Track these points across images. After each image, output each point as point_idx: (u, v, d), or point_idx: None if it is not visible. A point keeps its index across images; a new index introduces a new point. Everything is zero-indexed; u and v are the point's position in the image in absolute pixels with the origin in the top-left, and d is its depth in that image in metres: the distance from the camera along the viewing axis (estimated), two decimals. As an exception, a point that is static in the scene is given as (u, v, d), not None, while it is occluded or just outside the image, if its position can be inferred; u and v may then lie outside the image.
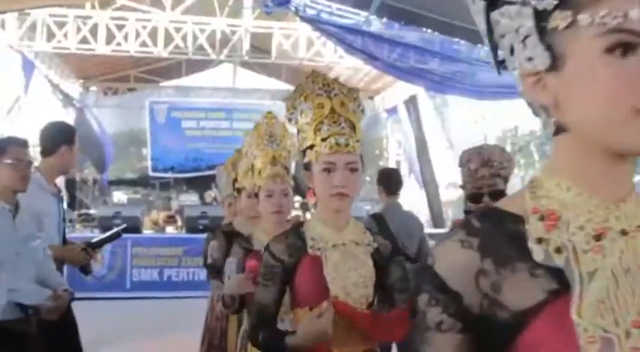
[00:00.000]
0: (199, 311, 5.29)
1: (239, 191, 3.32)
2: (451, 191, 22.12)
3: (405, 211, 4.89)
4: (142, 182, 15.81)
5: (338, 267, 1.87)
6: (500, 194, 2.57)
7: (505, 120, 17.12)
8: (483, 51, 9.12)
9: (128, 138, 16.48)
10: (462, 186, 2.70)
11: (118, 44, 10.97)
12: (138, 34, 10.91)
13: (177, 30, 11.11)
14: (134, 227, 9.84)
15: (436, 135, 15.44)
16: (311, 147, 1.87)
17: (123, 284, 9.76)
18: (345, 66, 14.05)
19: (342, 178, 1.84)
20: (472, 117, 17.32)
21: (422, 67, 9.67)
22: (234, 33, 11.55)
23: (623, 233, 0.79)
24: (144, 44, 10.95)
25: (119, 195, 13.86)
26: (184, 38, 11.08)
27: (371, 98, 16.43)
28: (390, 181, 4.80)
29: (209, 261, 3.26)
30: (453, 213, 17.48)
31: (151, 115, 15.05)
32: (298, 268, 1.88)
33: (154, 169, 15.23)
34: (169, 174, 15.11)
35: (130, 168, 17.32)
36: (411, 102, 14.19)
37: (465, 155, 2.64)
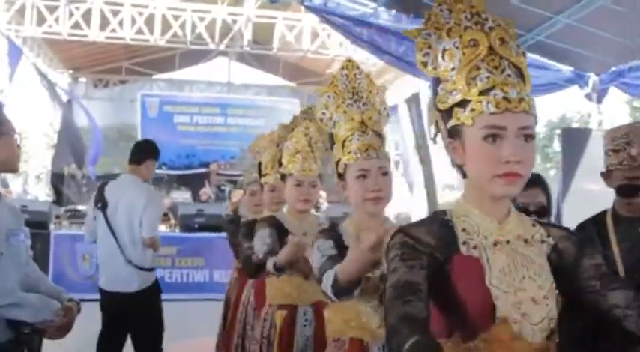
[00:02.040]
0: (194, 314, 4.83)
1: (283, 177, 2.74)
2: (447, 193, 21.91)
3: None
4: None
5: (507, 275, 1.31)
6: None
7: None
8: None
9: (118, 132, 15.94)
10: (605, 174, 2.21)
11: (113, 31, 10.40)
12: (134, 21, 10.34)
13: (176, 18, 10.57)
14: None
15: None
16: (462, 103, 1.28)
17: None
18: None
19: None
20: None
21: (429, 61, 9.25)
22: (235, 22, 10.99)
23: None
24: (140, 32, 10.39)
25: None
26: (183, 27, 10.54)
27: (369, 95, 15.99)
28: None
29: (264, 248, 2.65)
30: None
31: (142, 109, 14.66)
32: (448, 272, 1.29)
33: (145, 165, 14.73)
34: (161, 171, 14.59)
35: (119, 164, 16.71)
36: (414, 101, 13.76)
37: (619, 134, 2.16)
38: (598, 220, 2.30)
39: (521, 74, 1.29)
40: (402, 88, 13.50)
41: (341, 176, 2.01)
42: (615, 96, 14.66)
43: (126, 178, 4.29)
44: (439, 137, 1.41)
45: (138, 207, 4.11)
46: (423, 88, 12.28)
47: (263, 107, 15.51)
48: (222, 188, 13.47)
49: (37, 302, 2.26)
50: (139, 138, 14.67)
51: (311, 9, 9.02)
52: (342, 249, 1.86)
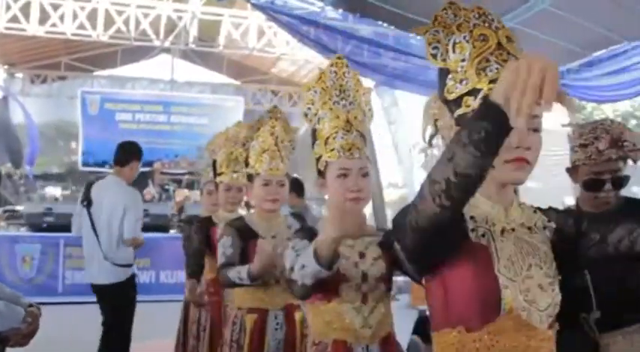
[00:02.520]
0: (142, 318, 4.77)
1: (250, 177, 2.70)
2: (391, 191, 22.16)
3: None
4: (71, 177, 14.89)
5: (514, 263, 1.34)
6: (624, 181, 2.21)
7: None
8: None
9: (56, 129, 15.53)
10: (571, 169, 2.32)
11: (53, 25, 10.07)
12: (75, 16, 10.03)
13: (120, 13, 10.31)
14: (67, 225, 9.04)
15: (381, 136, 15.28)
16: (471, 92, 1.32)
17: (54, 288, 8.89)
18: (291, 59, 13.64)
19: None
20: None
21: (375, 61, 9.38)
22: (180, 19, 10.83)
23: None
24: (81, 27, 10.10)
25: (51, 191, 12.89)
26: (127, 22, 10.30)
27: (315, 95, 16.05)
28: (300, 187, 5.78)
29: (222, 259, 2.62)
30: (392, 212, 17.38)
31: (82, 106, 14.32)
32: (456, 258, 1.32)
33: (85, 164, 14.47)
34: (103, 169, 14.27)
35: (58, 162, 16.26)
36: (360, 100, 13.91)
37: (587, 129, 2.25)
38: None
39: None
40: (347, 87, 13.62)
41: (321, 173, 2.00)
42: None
43: (111, 179, 4.61)
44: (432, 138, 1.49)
45: (119, 208, 4.42)
46: (369, 88, 12.40)
47: (207, 105, 15.38)
48: (167, 187, 13.28)
49: (3, 310, 2.18)
50: (79, 136, 14.34)
51: (258, 7, 8.99)
52: None
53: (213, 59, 15.11)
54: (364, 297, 1.92)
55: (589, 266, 1.71)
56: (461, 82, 1.35)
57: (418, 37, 8.86)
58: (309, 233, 1.94)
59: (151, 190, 12.88)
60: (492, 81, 1.29)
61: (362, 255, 1.96)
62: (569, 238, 1.43)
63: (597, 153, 2.19)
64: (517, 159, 1.30)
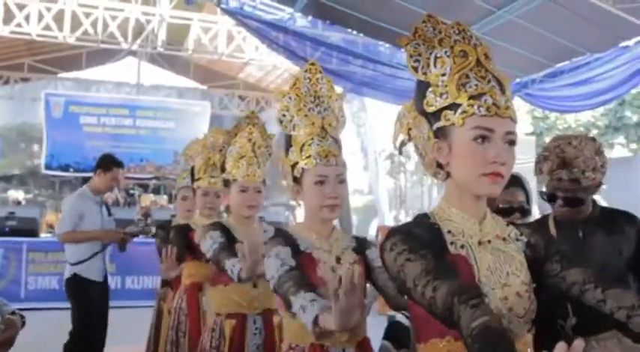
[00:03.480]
0: (108, 324, 4.76)
1: (227, 183, 2.72)
2: (357, 197, 22.26)
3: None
4: (33, 180, 14.65)
5: (493, 272, 1.40)
6: (577, 202, 2.26)
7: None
8: (405, 55, 9.12)
9: (18, 132, 15.26)
10: (538, 174, 2.37)
11: (18, 25, 9.91)
12: (41, 16, 9.89)
13: (87, 15, 10.19)
14: (30, 229, 8.93)
15: (347, 141, 15.39)
16: (451, 107, 1.38)
17: (17, 294, 8.69)
18: (259, 65, 13.66)
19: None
20: (392, 121, 17.33)
21: (344, 68, 9.48)
22: (148, 22, 10.77)
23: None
24: (47, 28, 9.95)
25: (14, 195, 12.65)
26: (94, 24, 10.19)
27: (282, 101, 16.09)
28: None
29: (215, 246, 2.59)
30: (357, 219, 17.46)
31: (46, 109, 14.10)
32: None
33: (48, 167, 14.25)
34: (67, 173, 14.07)
35: (20, 166, 15.97)
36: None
37: (547, 145, 2.31)
38: (542, 223, 2.42)
39: (502, 88, 1.39)
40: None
41: (296, 180, 2.00)
42: (518, 105, 15.47)
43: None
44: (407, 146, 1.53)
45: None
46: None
47: (173, 109, 15.31)
48: (131, 192, 13.17)
49: None
50: (43, 139, 14.12)
51: (227, 11, 9.00)
52: (297, 254, 1.88)
53: (180, 63, 15.04)
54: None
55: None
56: (441, 95, 1.39)
57: (387, 45, 9.00)
58: (289, 239, 1.94)
59: (115, 194, 12.75)
60: (472, 97, 1.35)
61: (338, 260, 1.97)
62: (538, 259, 1.47)
63: (549, 173, 2.25)
64: (493, 174, 1.34)
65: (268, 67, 14.28)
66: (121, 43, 10.75)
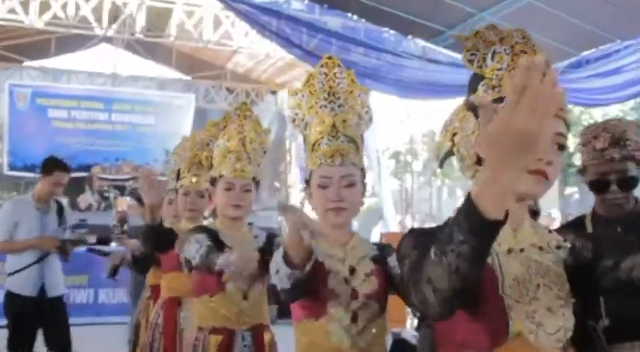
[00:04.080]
0: (79, 342, 4.73)
1: (214, 181, 2.71)
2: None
3: None
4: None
5: (521, 284, 1.40)
6: (631, 182, 2.34)
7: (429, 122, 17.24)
8: (413, 43, 9.11)
9: (-23, 127, 15.21)
10: (582, 171, 2.47)
11: (-21, 9, 9.89)
12: (5, -2, 9.88)
13: (56, -4, 10.17)
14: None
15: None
16: (501, 100, 1.41)
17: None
18: (249, 53, 13.66)
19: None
20: (396, 116, 17.40)
21: (344, 57, 9.46)
22: (125, 5, 10.76)
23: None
24: (12, 11, 9.94)
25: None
26: (64, 7, 10.17)
27: (274, 93, 16.11)
28: None
29: (203, 250, 2.56)
30: (358, 224, 17.41)
31: (10, 101, 14.06)
32: None
33: (11, 167, 14.19)
34: (32, 174, 14.03)
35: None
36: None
37: (589, 130, 2.40)
38: (577, 223, 2.50)
39: None
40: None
41: (307, 183, 2.06)
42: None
43: None
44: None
45: None
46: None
47: (153, 103, 15.29)
48: (106, 195, 13.17)
49: None
50: (5, 133, 14.08)
51: (213, -6, 9.02)
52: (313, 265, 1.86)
53: (161, 51, 15.02)
54: (354, 316, 1.95)
55: (604, 294, 1.79)
56: (493, 88, 1.46)
57: (392, 32, 9.00)
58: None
59: (88, 197, 12.74)
60: None
61: (352, 270, 1.99)
62: (584, 263, 1.49)
63: (598, 153, 2.32)
64: (537, 172, 1.36)
65: (259, 55, 14.27)
66: (95, 28, 10.72)
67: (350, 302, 1.95)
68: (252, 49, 13.02)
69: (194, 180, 3.46)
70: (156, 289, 3.77)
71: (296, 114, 2.13)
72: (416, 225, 4.62)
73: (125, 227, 9.59)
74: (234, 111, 2.94)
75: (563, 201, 17.54)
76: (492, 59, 1.48)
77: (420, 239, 1.40)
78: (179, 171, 3.62)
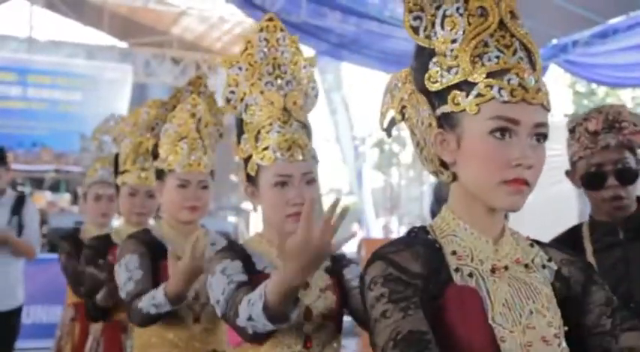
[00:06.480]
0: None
1: (160, 174, 2.67)
2: (331, 198, 22.23)
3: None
4: None
5: (512, 310, 1.38)
6: (631, 174, 2.37)
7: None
8: (400, 7, 9.14)
9: None
10: (570, 171, 2.50)
11: None
12: None
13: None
14: None
15: (319, 126, 15.41)
16: (462, 86, 1.35)
17: None
18: (199, 16, 13.63)
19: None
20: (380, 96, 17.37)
21: (317, 23, 9.50)
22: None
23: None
24: None
25: None
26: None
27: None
28: None
29: (129, 287, 2.55)
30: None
31: None
32: (441, 308, 1.35)
33: None
34: None
35: None
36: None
37: (578, 116, 2.45)
38: (574, 231, 2.55)
39: (532, 61, 1.38)
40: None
41: (250, 179, 2.04)
42: (556, 77, 15.61)
43: None
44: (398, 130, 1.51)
45: None
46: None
47: (80, 75, 15.15)
48: (20, 188, 13.04)
49: None
50: None
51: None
52: (252, 273, 1.90)
53: (89, 11, 14.95)
54: (307, 340, 1.96)
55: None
56: (449, 69, 1.39)
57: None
58: (241, 253, 1.96)
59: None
60: (491, 74, 1.34)
61: (306, 285, 1.98)
62: (573, 300, 1.47)
63: (591, 138, 2.34)
64: (516, 181, 1.33)
65: (212, 19, 14.24)
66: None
67: (302, 324, 1.95)
68: (203, 11, 12.98)
69: (143, 175, 3.38)
70: (81, 308, 3.72)
71: (232, 92, 2.08)
72: (403, 231, 4.59)
73: (43, 228, 9.46)
74: (186, 87, 2.91)
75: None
76: (442, 26, 1.39)
77: (396, 287, 1.34)
78: (116, 159, 3.54)
